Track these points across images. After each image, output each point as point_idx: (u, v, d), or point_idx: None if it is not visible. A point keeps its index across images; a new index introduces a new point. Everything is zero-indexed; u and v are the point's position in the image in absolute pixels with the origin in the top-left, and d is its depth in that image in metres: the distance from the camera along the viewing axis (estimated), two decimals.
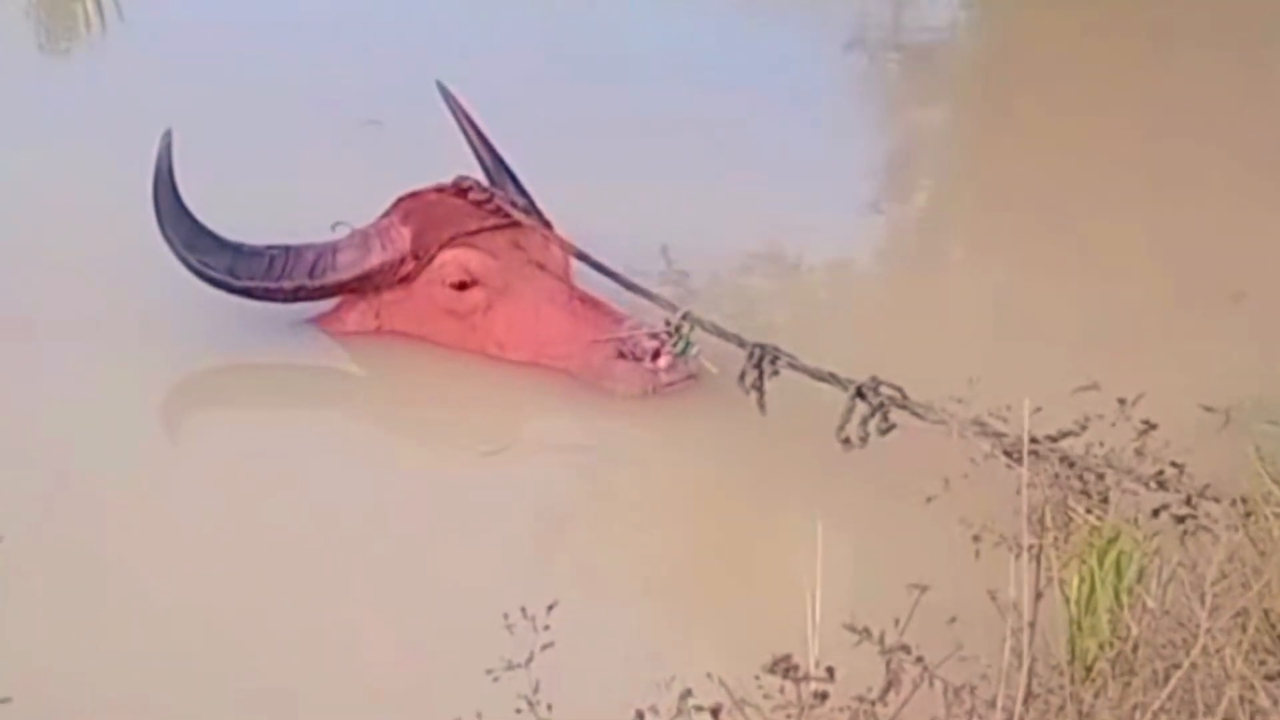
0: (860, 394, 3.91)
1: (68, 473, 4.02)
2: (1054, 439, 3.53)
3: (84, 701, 3.37)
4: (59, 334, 4.50)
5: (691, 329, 4.24)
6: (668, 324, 4.27)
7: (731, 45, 6.61)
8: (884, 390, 3.91)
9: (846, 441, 3.89)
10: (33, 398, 4.29)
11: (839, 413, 3.90)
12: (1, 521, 3.65)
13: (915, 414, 3.85)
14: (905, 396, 3.89)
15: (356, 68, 6.00)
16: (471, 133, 4.74)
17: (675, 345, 4.25)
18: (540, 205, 4.64)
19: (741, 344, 4.15)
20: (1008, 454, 3.57)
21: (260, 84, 5.83)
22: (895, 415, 3.89)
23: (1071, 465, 3.50)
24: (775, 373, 4.06)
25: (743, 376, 4.09)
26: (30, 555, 3.68)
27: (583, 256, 4.48)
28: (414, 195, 4.51)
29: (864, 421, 3.89)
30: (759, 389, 4.07)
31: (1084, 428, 3.49)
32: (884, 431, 3.88)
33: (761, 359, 4.08)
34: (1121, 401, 3.46)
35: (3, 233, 4.91)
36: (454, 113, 4.76)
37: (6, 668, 3.39)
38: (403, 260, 4.45)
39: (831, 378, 4.00)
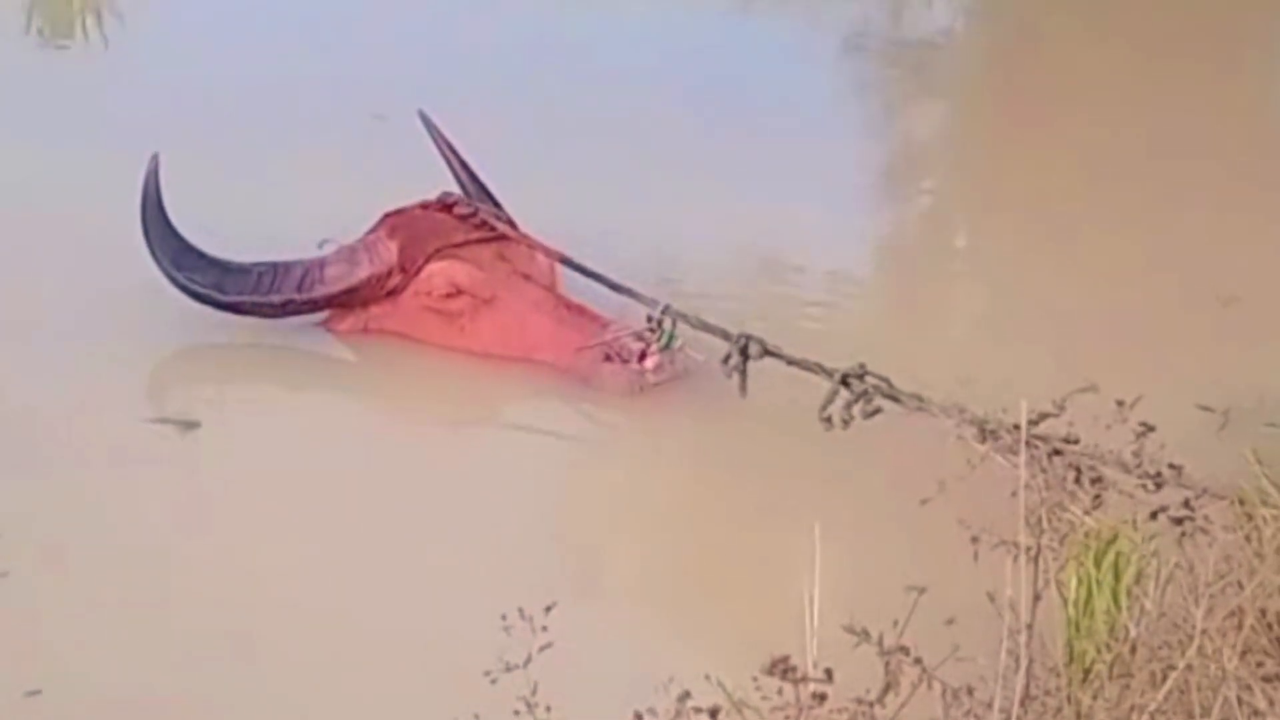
0: (845, 381, 3.96)
1: (72, 466, 4.04)
2: (1034, 423, 3.53)
3: (111, 692, 3.38)
4: (51, 319, 4.54)
5: (674, 324, 4.29)
6: (650, 320, 4.30)
7: (730, 44, 6.62)
8: (869, 379, 3.96)
9: (828, 420, 3.94)
10: (34, 386, 4.31)
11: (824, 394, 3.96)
12: (17, 516, 3.70)
13: (898, 400, 3.91)
14: (891, 385, 3.95)
15: (360, 64, 6.01)
16: (451, 157, 4.79)
17: (659, 340, 4.29)
18: (537, 206, 4.66)
19: (726, 336, 4.20)
20: (987, 437, 3.59)
21: (262, 79, 5.85)
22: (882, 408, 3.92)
23: (1065, 457, 3.52)
24: (762, 356, 4.11)
25: (727, 359, 4.15)
26: (53, 549, 3.72)
27: (567, 261, 4.52)
28: (400, 211, 4.57)
29: (848, 405, 3.94)
30: (741, 372, 4.12)
31: (1062, 409, 3.49)
32: (868, 415, 3.92)
33: (746, 345, 4.13)
34: (1120, 403, 3.46)
35: (7, 228, 4.92)
36: (434, 139, 4.82)
37: (36, 661, 3.42)
38: (390, 273, 4.50)
39: (818, 367, 4.05)
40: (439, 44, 6.24)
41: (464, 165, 4.78)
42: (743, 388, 4.14)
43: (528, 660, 2.80)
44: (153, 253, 4.46)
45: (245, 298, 4.46)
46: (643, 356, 4.32)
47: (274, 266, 4.48)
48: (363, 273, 4.50)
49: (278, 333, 4.56)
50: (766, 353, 4.14)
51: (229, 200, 4.83)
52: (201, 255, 4.47)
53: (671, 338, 4.30)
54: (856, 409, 3.93)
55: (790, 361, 4.12)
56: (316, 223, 4.60)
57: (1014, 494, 3.02)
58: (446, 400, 4.49)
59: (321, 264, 4.51)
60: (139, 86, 5.89)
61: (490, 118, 5.08)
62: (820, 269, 5.03)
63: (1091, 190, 5.45)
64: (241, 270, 4.47)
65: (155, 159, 4.47)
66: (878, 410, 3.93)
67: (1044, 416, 3.48)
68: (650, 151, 5.46)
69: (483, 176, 4.77)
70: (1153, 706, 2.83)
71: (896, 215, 5.71)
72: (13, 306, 4.59)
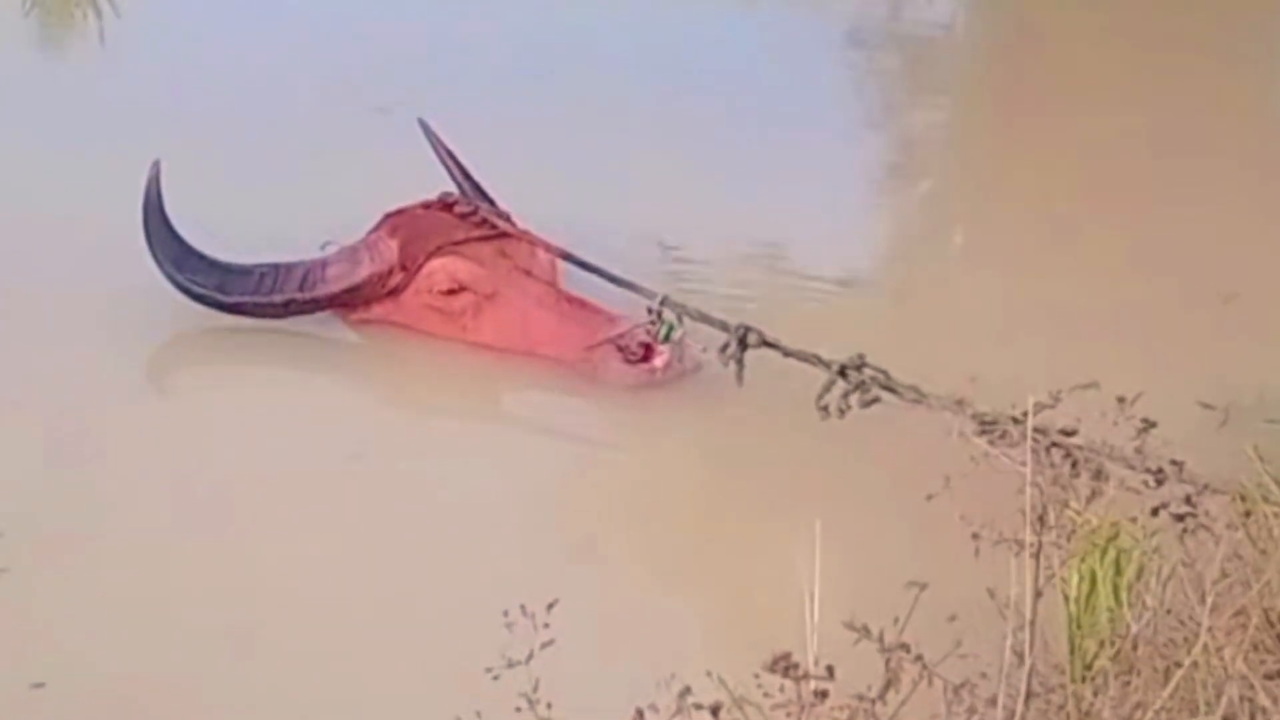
0: (843, 372, 3.98)
1: (74, 461, 4.06)
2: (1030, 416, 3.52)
3: (115, 686, 3.40)
4: (50, 315, 4.55)
5: (680, 319, 4.30)
6: (650, 312, 4.32)
7: (729, 41, 6.62)
8: (867, 371, 3.98)
9: (825, 410, 3.96)
10: (34, 383, 4.32)
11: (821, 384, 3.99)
12: (18, 512, 3.73)
13: (896, 392, 3.93)
14: (889, 377, 3.96)
15: (362, 57, 6.02)
16: (451, 164, 4.81)
17: (659, 332, 4.31)
18: (537, 199, 4.68)
19: (725, 327, 4.22)
20: (986, 431, 3.59)
21: (261, 72, 5.85)
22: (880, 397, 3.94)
23: (1065, 451, 3.51)
24: (760, 346, 4.13)
25: (725, 348, 4.17)
26: (57, 545, 3.74)
27: (568, 256, 4.53)
28: (400, 211, 4.60)
29: (845, 395, 3.96)
30: (738, 361, 4.14)
31: (1058, 400, 3.49)
32: (866, 404, 3.94)
33: (745, 335, 4.15)
34: (1121, 400, 3.45)
35: (4, 223, 4.92)
36: (434, 146, 4.84)
37: (40, 654, 3.44)
38: (391, 271, 4.52)
39: (815, 359, 4.06)
40: (440, 37, 6.24)
41: (464, 172, 4.80)
42: (740, 378, 4.16)
43: (530, 657, 2.80)
44: (155, 256, 4.49)
45: (247, 298, 4.49)
46: (647, 350, 4.33)
47: (275, 267, 4.50)
48: (364, 271, 4.52)
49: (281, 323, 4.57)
50: (765, 343, 4.15)
51: (230, 198, 4.83)
52: (203, 258, 4.50)
53: (672, 328, 4.32)
54: (854, 398, 3.95)
55: (788, 353, 4.13)
56: (318, 219, 4.62)
57: (1020, 491, 3.02)
58: (449, 393, 4.50)
59: (323, 264, 4.54)
60: (137, 80, 5.88)
61: (491, 111, 5.06)
62: (822, 264, 5.01)
63: (1092, 186, 5.44)
64: (243, 271, 4.50)
65: (157, 165, 4.50)
66: (875, 399, 3.95)
67: (1041, 408, 3.48)
68: (651, 146, 5.46)
69: (484, 170, 4.78)
70: (1157, 704, 2.83)
71: (897, 210, 5.70)
72: (11, 304, 4.59)
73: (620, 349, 4.35)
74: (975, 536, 3.09)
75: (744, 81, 6.17)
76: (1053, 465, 3.45)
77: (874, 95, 6.57)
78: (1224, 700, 2.80)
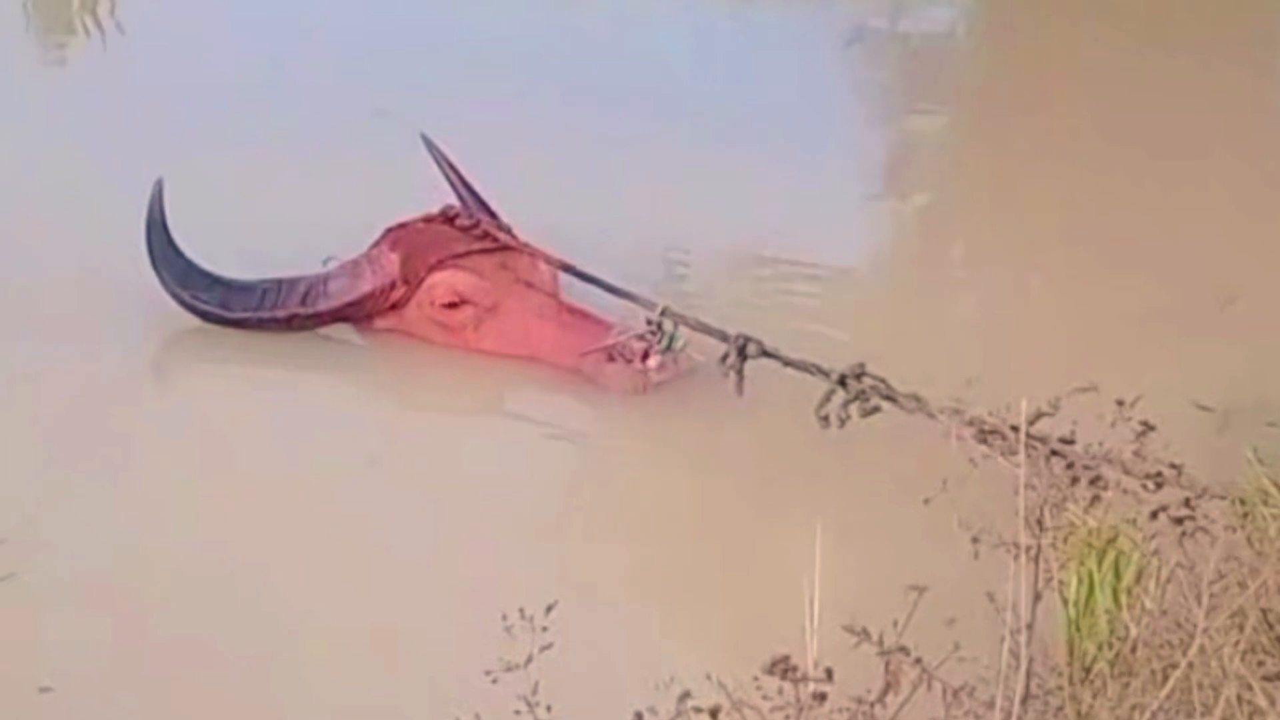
0: (842, 382, 3.99)
1: (78, 464, 4.08)
2: (1030, 422, 3.52)
3: (121, 689, 3.42)
4: (50, 317, 4.57)
5: (676, 326, 4.32)
6: (650, 322, 4.33)
7: (730, 47, 6.63)
8: (866, 380, 3.98)
9: (825, 419, 3.97)
10: (36, 386, 4.34)
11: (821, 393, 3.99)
12: (23, 515, 3.76)
13: (895, 401, 3.93)
14: (888, 386, 3.97)
15: (360, 58, 6.05)
16: (454, 176, 4.83)
17: (661, 342, 4.32)
18: (535, 203, 4.71)
19: (724, 337, 4.23)
20: (985, 438, 3.60)
21: (261, 74, 5.88)
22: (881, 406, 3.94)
23: (1063, 458, 3.52)
24: (759, 355, 4.14)
25: (724, 358, 4.18)
26: (62, 548, 3.76)
27: (567, 268, 4.55)
28: (402, 225, 4.62)
29: (845, 405, 3.97)
30: (738, 372, 4.15)
31: (1057, 408, 3.49)
32: (866, 414, 3.95)
33: (744, 345, 4.16)
34: (1120, 403, 3.46)
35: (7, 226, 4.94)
36: (436, 160, 4.86)
37: (46, 658, 3.46)
38: (393, 285, 4.54)
39: (815, 368, 4.07)
40: (440, 37, 6.26)
41: (467, 185, 4.82)
42: (739, 388, 4.16)
43: (528, 660, 2.81)
44: (158, 273, 4.52)
45: (250, 314, 4.51)
46: (645, 356, 4.35)
47: (278, 282, 4.53)
48: (366, 286, 4.54)
49: None
50: (764, 353, 4.16)
51: (231, 205, 4.85)
52: (205, 274, 4.52)
53: (674, 339, 4.33)
54: (853, 408, 3.96)
55: (787, 362, 4.14)
56: (319, 228, 4.63)
57: (1016, 493, 3.02)
58: (449, 396, 4.52)
59: (325, 278, 4.56)
60: (138, 84, 5.91)
61: (491, 122, 5.05)
62: (823, 269, 5.03)
63: (1091, 187, 5.45)
64: (246, 287, 4.53)
65: (159, 184, 4.51)
66: (876, 409, 3.96)
67: (1040, 416, 3.49)
68: (651, 154, 5.47)
69: (484, 181, 4.79)
70: (1154, 705, 2.83)
71: (897, 213, 5.70)
72: (11, 306, 4.61)
73: (612, 356, 4.37)
74: (974, 540, 3.09)
75: (744, 87, 6.17)
76: (1052, 474, 3.45)
77: (873, 98, 6.58)
78: (1221, 701, 2.81)
